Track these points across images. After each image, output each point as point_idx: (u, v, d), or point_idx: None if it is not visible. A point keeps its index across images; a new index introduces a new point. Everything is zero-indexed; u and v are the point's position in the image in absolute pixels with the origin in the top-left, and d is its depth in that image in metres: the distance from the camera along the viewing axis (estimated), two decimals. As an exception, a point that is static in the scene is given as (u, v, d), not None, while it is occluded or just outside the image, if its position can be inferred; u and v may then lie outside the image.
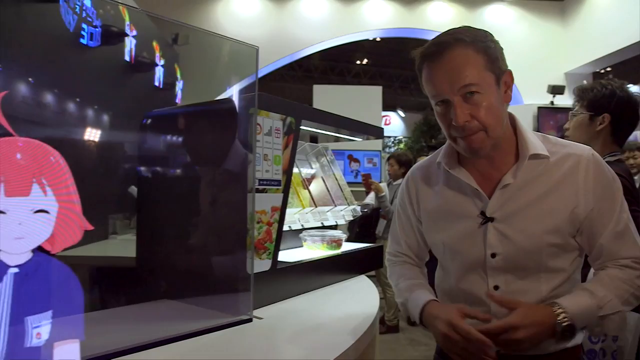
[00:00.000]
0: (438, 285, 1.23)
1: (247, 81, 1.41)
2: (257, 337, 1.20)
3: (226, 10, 8.16)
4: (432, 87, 1.01)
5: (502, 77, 1.01)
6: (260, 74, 8.75)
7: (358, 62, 15.03)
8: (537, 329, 0.93)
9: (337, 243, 1.94)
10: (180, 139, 1.57)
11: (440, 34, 1.01)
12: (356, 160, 6.86)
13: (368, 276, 1.96)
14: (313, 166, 2.15)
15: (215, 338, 1.16)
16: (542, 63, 8.70)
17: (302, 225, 1.96)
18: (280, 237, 1.54)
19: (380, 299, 1.31)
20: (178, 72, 3.12)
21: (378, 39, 11.03)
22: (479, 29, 1.01)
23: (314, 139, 2.46)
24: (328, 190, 2.07)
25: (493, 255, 1.05)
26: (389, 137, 15.61)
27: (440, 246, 1.16)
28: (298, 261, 1.66)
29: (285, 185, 1.55)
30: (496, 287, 1.06)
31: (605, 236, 1.02)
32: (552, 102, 7.00)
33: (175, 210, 1.50)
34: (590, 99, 1.77)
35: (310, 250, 1.93)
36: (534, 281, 1.05)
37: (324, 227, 2.09)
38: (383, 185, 4.59)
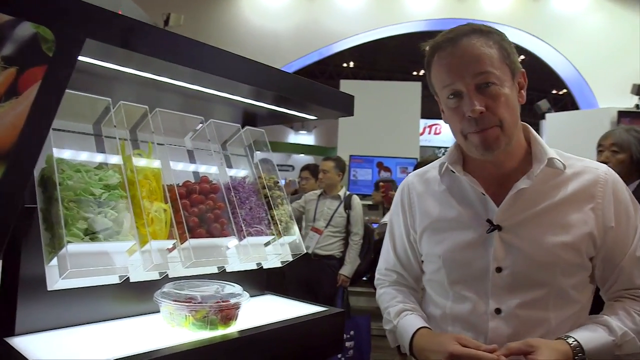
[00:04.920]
0: (425, 311, 1.10)
1: None
2: None
3: (252, 1, 7.43)
4: (445, 75, 0.93)
5: (516, 74, 0.96)
6: (287, 71, 7.83)
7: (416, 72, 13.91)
8: (557, 356, 0.85)
9: (224, 315, 0.96)
10: None
11: (452, 28, 0.95)
12: (387, 169, 5.78)
13: None
14: (213, 163, 1.19)
15: None
16: (621, 59, 7.21)
17: (167, 273, 1.00)
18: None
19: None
20: None
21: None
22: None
23: (251, 117, 1.51)
24: (232, 209, 1.11)
25: (498, 270, 0.96)
26: (440, 147, 14.55)
27: (437, 260, 1.05)
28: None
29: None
30: (498, 311, 0.94)
31: (627, 259, 0.93)
32: (637, 106, 5.60)
33: None
34: None
35: (170, 328, 0.97)
36: (541, 309, 0.94)
37: (216, 276, 1.12)
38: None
